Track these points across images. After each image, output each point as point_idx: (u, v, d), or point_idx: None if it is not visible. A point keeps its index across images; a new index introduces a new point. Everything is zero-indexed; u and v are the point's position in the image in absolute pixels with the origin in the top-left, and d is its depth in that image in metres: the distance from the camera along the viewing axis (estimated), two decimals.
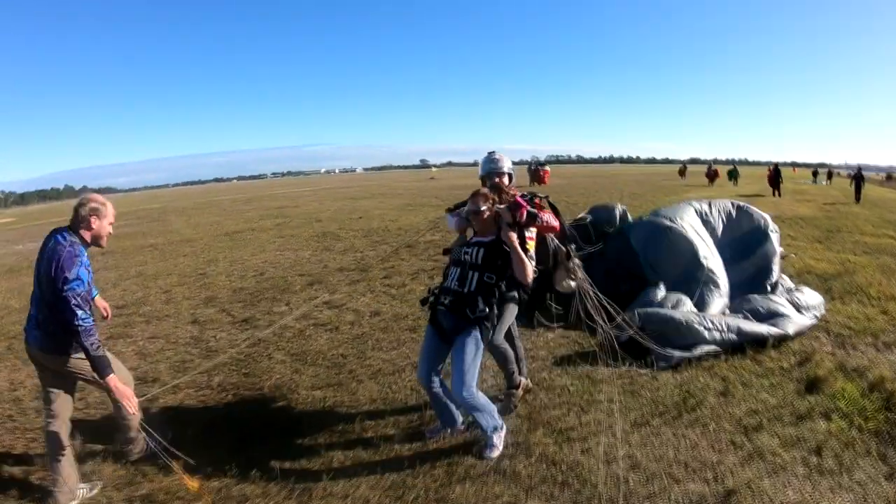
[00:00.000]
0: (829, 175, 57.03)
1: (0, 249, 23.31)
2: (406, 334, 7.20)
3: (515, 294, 4.51)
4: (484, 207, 4.31)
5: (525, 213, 4.35)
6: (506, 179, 4.96)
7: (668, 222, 7.94)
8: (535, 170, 42.74)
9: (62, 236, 3.92)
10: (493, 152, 5.10)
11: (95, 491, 4.10)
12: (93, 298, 4.21)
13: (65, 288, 3.71)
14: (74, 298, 3.73)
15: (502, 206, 4.33)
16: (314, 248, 15.44)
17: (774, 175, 33.66)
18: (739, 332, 6.09)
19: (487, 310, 4.16)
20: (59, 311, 3.78)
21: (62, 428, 4.04)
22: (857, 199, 29.17)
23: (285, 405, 5.39)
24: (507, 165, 5.01)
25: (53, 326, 3.93)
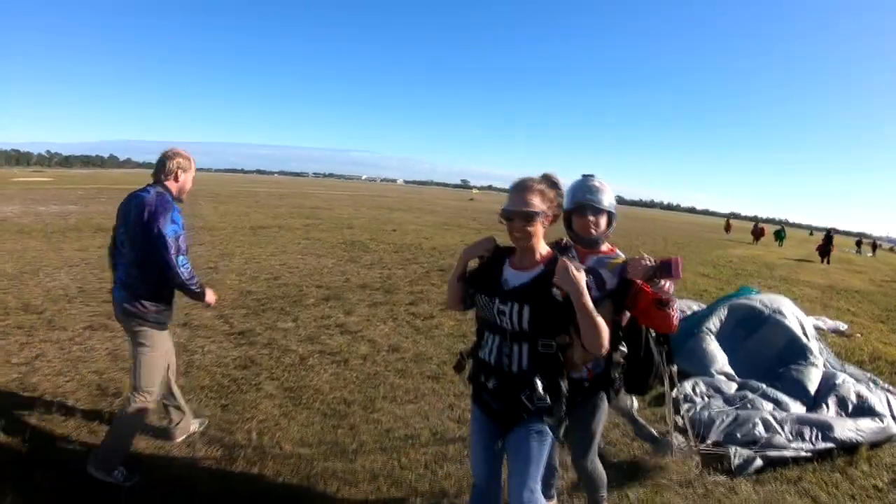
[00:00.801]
0: (874, 246, 56.62)
1: (22, 208, 22.75)
2: (427, 384, 5.96)
3: (607, 373, 3.19)
4: (542, 207, 2.69)
5: (653, 295, 2.89)
6: (602, 221, 3.24)
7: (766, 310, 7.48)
8: None
9: (145, 191, 3.92)
10: (591, 176, 3.37)
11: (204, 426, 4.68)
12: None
13: (161, 232, 3.72)
14: (173, 243, 3.76)
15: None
16: (339, 256, 14.56)
17: (826, 242, 32.60)
18: (827, 437, 5.19)
19: (551, 399, 2.67)
20: (153, 259, 3.79)
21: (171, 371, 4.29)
22: None
23: (260, 462, 4.22)
24: (607, 199, 3.27)
25: (140, 286, 3.94)
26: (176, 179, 4.03)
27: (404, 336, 7.71)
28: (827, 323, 10.44)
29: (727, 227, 51.83)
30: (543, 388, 2.65)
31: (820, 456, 4.99)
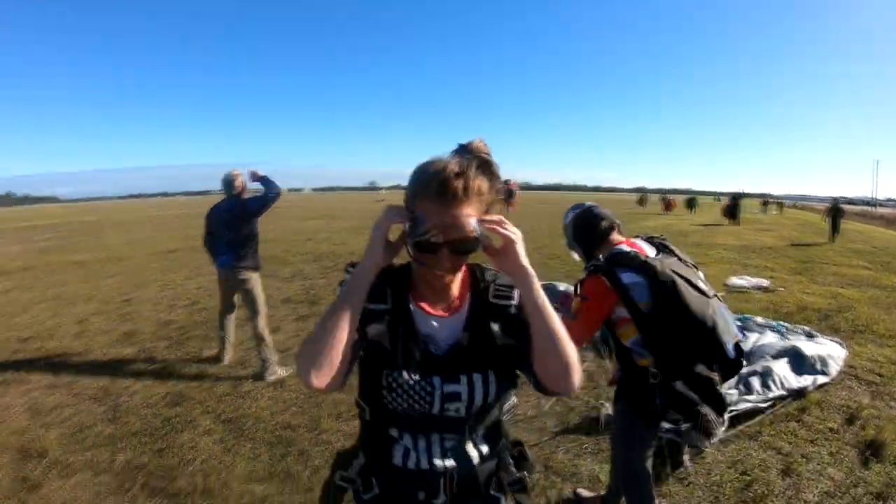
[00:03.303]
0: (780, 206, 60.72)
1: None
2: None
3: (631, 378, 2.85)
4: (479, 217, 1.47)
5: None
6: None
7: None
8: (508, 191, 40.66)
9: (227, 203, 6.55)
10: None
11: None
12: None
13: (252, 207, 6.46)
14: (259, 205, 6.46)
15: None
16: None
17: (732, 204, 33.51)
18: (783, 387, 5.50)
19: (526, 473, 1.80)
20: (254, 219, 6.50)
21: (232, 320, 6.90)
22: (834, 235, 23.46)
23: None
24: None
25: (239, 248, 6.39)
26: (245, 190, 6.63)
27: None
28: (749, 280, 10.72)
29: (641, 201, 52.86)
30: (514, 459, 1.81)
31: (773, 408, 5.21)
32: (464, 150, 1.51)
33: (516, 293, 1.64)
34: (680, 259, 2.83)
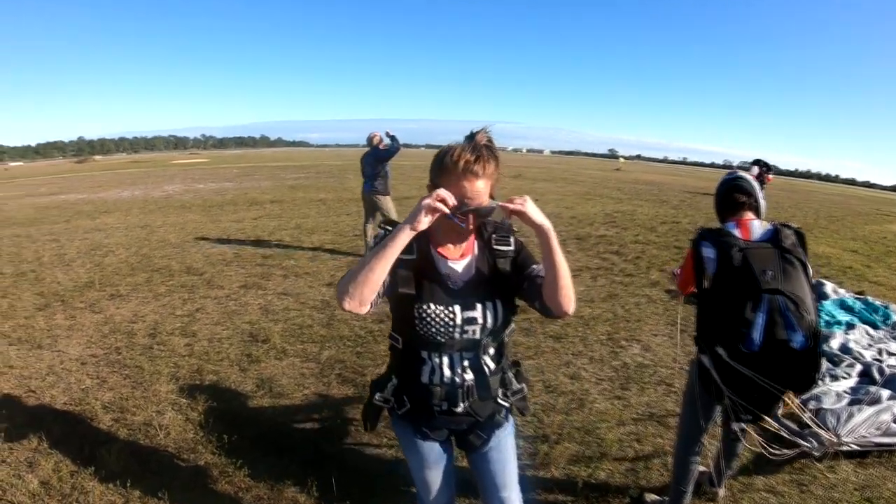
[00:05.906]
0: None
1: (183, 186, 25.36)
2: (547, 343, 6.16)
3: None
4: None
5: None
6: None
7: None
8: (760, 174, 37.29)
9: (371, 152, 9.88)
10: None
11: None
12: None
13: (387, 153, 9.91)
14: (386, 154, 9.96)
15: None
16: None
17: None
18: None
19: (525, 385, 2.32)
20: (385, 162, 9.99)
21: (371, 228, 10.15)
22: None
23: None
24: None
25: (375, 179, 9.86)
26: (380, 143, 9.88)
27: None
28: None
29: None
30: (515, 375, 2.30)
31: None
32: (472, 138, 1.99)
33: (513, 240, 2.14)
34: (785, 251, 2.75)
